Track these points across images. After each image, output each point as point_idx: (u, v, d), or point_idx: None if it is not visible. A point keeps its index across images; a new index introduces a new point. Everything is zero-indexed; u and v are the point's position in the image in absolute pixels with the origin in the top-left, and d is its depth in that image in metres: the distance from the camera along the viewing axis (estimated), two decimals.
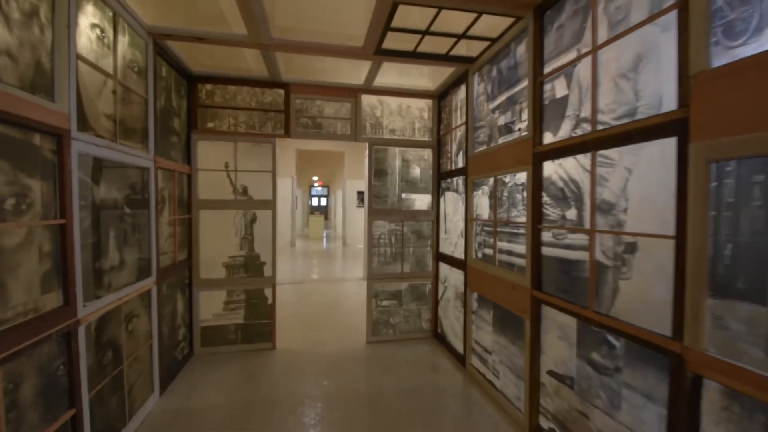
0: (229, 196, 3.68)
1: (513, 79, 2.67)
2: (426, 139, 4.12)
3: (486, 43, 2.84)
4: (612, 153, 1.78)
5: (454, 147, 3.74)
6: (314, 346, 3.85)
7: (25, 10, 1.55)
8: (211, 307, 3.65)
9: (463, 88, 3.47)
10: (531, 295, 2.36)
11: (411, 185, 4.18)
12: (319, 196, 24.70)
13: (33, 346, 1.53)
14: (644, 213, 1.65)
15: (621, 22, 1.73)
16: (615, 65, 1.76)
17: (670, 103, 1.49)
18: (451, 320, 3.81)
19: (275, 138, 3.72)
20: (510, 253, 2.72)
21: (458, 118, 3.62)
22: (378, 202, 4.08)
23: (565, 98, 2.12)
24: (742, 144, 1.21)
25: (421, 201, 4.19)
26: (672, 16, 1.46)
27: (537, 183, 2.33)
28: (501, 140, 2.83)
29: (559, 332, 2.17)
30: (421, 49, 2.93)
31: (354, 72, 3.60)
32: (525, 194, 2.50)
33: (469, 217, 3.33)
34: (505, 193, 2.81)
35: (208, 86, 3.57)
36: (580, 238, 2.03)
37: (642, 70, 1.63)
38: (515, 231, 2.66)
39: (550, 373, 2.25)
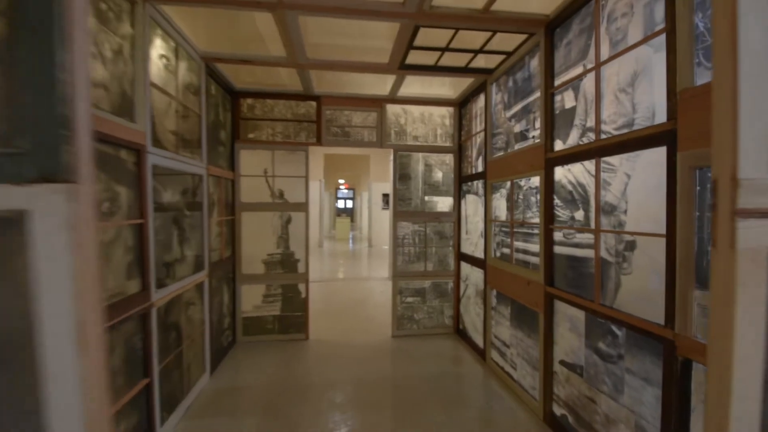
0: (267, 200, 4.05)
1: (527, 90, 2.87)
2: (447, 144, 4.34)
3: (502, 57, 3.05)
4: (613, 160, 1.96)
5: (474, 152, 3.95)
6: (343, 338, 4.15)
7: (114, 49, 1.92)
8: (251, 299, 4.04)
9: (482, 97, 3.68)
10: (544, 290, 2.55)
11: (433, 188, 4.41)
12: (345, 199, 25.16)
13: (122, 322, 1.89)
14: (641, 214, 1.83)
15: (620, 42, 1.91)
16: (615, 80, 1.95)
17: (661, 116, 1.67)
18: (471, 316, 4.01)
19: (308, 146, 4.06)
20: (525, 251, 2.92)
21: (478, 125, 3.83)
22: (402, 205, 4.34)
23: (573, 109, 2.31)
24: None
25: (443, 203, 4.42)
26: (662, 39, 1.65)
27: (549, 187, 2.52)
28: (517, 146, 3.03)
29: (569, 324, 2.36)
30: (442, 62, 3.17)
31: (379, 84, 3.88)
32: (538, 197, 2.69)
33: (488, 219, 3.53)
34: (521, 196, 3.00)
35: (249, 100, 3.96)
36: (586, 237, 2.21)
37: (638, 85, 1.81)
38: (530, 231, 2.85)
39: (562, 362, 2.43)
